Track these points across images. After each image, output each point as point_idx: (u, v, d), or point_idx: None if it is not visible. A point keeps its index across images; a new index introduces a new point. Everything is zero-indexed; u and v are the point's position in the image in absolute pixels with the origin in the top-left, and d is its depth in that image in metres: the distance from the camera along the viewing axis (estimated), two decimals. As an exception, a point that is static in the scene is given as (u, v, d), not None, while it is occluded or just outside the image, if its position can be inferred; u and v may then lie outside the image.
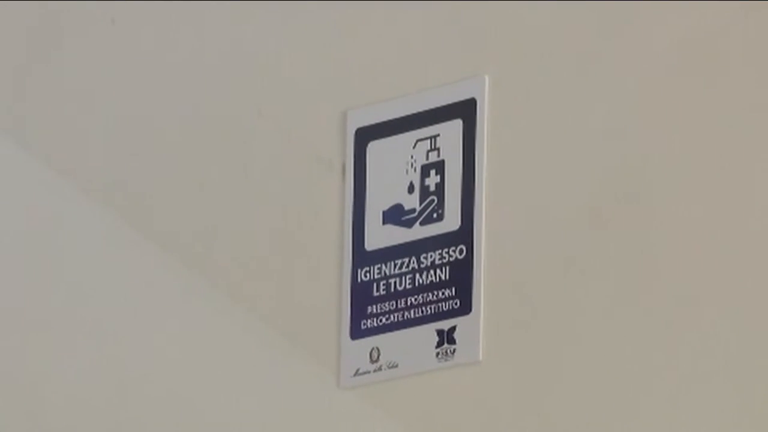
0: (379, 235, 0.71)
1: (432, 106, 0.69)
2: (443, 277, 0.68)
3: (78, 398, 0.90)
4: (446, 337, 0.67)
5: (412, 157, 0.70)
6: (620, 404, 0.61)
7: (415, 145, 0.70)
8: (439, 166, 0.69)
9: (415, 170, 0.70)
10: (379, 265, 0.70)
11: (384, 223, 0.70)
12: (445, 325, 0.67)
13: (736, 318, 0.57)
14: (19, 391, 0.94)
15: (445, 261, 0.68)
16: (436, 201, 0.69)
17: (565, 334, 0.65)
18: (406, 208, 0.70)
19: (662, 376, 0.59)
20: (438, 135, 0.69)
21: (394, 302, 0.69)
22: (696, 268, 0.59)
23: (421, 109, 0.70)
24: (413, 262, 0.69)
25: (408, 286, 0.69)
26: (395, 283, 0.69)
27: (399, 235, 0.70)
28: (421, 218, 0.69)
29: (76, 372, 0.91)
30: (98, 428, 0.87)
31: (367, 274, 0.70)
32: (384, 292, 0.69)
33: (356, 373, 0.69)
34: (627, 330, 0.61)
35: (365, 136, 0.72)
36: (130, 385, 0.88)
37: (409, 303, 0.69)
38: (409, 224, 0.69)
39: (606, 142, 0.66)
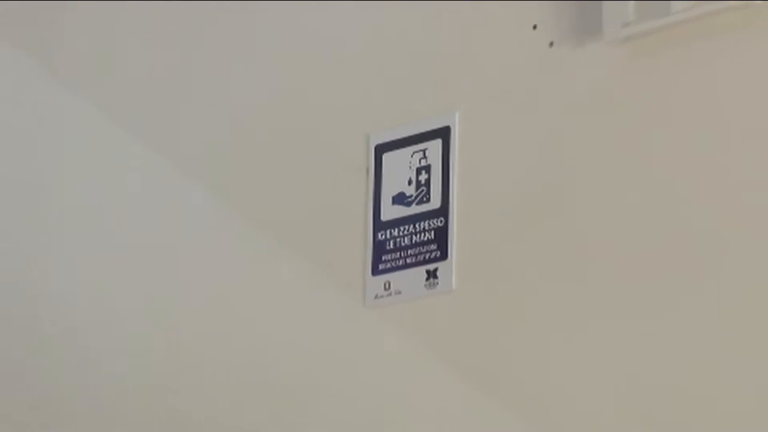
0: (390, 211, 1.08)
1: (422, 131, 1.07)
2: (430, 238, 1.05)
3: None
4: (431, 275, 1.04)
5: (410, 162, 1.07)
6: (561, 316, 0.96)
7: (412, 155, 1.08)
8: (427, 168, 1.06)
9: (412, 171, 1.07)
10: (390, 230, 1.07)
11: (393, 204, 1.08)
12: (430, 267, 1.04)
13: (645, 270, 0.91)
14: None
15: (430, 227, 1.05)
16: (425, 190, 1.06)
17: (510, 273, 1.02)
18: (407, 194, 1.07)
19: (598, 304, 0.94)
20: (426, 149, 1.07)
21: (399, 253, 1.07)
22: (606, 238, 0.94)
23: (415, 132, 1.08)
24: (411, 228, 1.06)
25: (408, 243, 1.07)
26: (400, 241, 1.07)
27: (402, 212, 1.07)
28: (416, 201, 1.07)
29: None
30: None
31: (382, 235, 1.07)
32: (393, 247, 1.07)
33: (375, 297, 1.07)
34: (558, 268, 0.98)
35: (381, 149, 1.10)
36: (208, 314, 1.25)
37: (408, 254, 1.06)
38: (408, 204, 1.07)
39: (538, 152, 1.03)
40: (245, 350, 1.22)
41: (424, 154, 1.07)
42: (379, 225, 1.08)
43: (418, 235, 1.06)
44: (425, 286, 1.04)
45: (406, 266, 1.06)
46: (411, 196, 1.07)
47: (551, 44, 1.02)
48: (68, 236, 1.46)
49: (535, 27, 1.04)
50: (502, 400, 0.99)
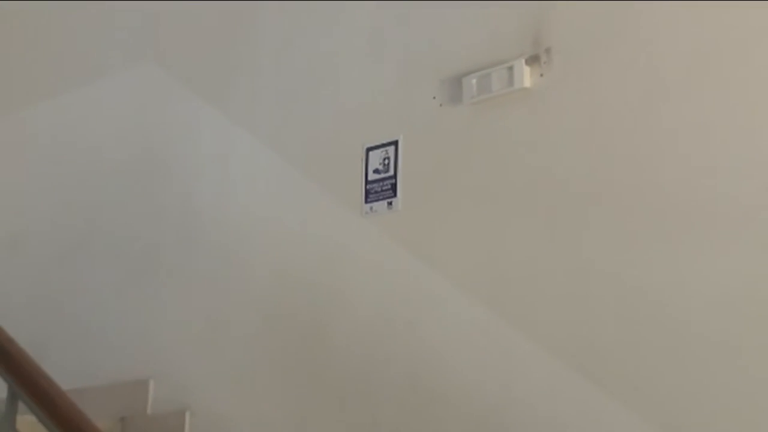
0: (373, 177, 2.49)
1: (386, 141, 2.47)
2: (389, 188, 2.45)
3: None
4: (391, 204, 2.44)
5: (381, 156, 2.48)
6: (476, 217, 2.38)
7: (382, 152, 2.48)
8: (388, 159, 2.46)
9: (381, 159, 2.48)
10: (372, 184, 2.47)
11: (374, 173, 2.48)
12: (390, 200, 2.44)
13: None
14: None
15: (389, 183, 2.45)
16: (387, 167, 2.46)
17: (431, 201, 2.42)
18: (381, 171, 2.48)
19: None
20: (388, 150, 2.47)
21: (376, 194, 2.47)
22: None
23: (382, 142, 2.48)
24: (382, 184, 2.46)
25: (379, 190, 2.46)
26: (377, 188, 2.46)
27: (378, 177, 2.47)
28: (384, 174, 2.47)
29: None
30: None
31: (369, 186, 2.47)
32: (373, 191, 2.47)
33: (366, 213, 2.47)
34: (466, 201, 2.38)
35: (368, 150, 2.50)
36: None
37: (380, 195, 2.46)
38: (380, 173, 2.47)
39: (433, 152, 2.43)
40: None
41: (387, 153, 2.46)
42: (368, 181, 2.48)
43: (384, 188, 2.45)
44: (387, 209, 2.43)
45: (379, 200, 2.45)
46: (380, 171, 2.47)
47: (441, 105, 2.41)
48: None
49: (434, 97, 2.42)
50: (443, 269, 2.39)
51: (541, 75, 2.23)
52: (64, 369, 2.38)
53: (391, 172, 2.46)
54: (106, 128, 3.49)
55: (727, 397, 1.76)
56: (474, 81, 2.32)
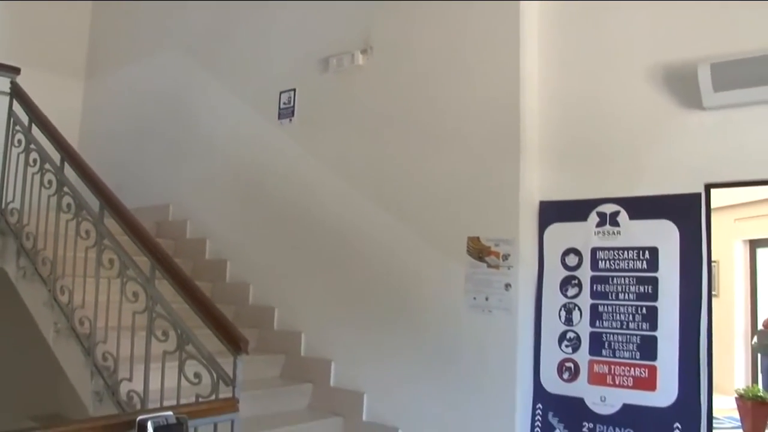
0: (283, 106, 4.90)
1: (290, 89, 4.87)
2: (290, 112, 4.86)
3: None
4: (291, 120, 4.86)
5: (287, 97, 4.88)
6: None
7: (287, 95, 4.88)
8: (292, 98, 4.86)
9: (287, 99, 4.87)
10: (282, 110, 4.89)
11: (283, 104, 4.89)
12: (291, 118, 4.86)
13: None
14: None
15: (291, 110, 4.86)
16: (291, 104, 4.86)
17: (311, 121, 4.84)
18: (287, 103, 4.88)
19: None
20: (291, 93, 4.87)
21: (284, 115, 4.88)
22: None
23: (288, 89, 4.87)
24: (287, 110, 4.87)
25: (286, 113, 4.87)
26: (284, 112, 4.88)
27: (285, 106, 4.89)
28: (288, 105, 4.87)
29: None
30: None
31: (281, 111, 4.88)
32: (283, 114, 4.88)
33: (279, 124, 4.89)
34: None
35: (281, 93, 4.90)
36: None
37: (286, 115, 4.88)
38: (286, 105, 4.87)
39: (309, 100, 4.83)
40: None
41: (290, 95, 4.89)
42: (280, 108, 4.91)
43: (288, 111, 4.87)
44: (289, 122, 4.87)
45: (285, 117, 4.88)
46: (287, 103, 4.88)
47: (318, 73, 4.80)
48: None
49: (316, 69, 4.81)
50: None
51: (368, 59, 4.58)
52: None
53: (292, 104, 4.86)
54: (157, 89, 6.26)
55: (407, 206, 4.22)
56: (334, 60, 4.69)
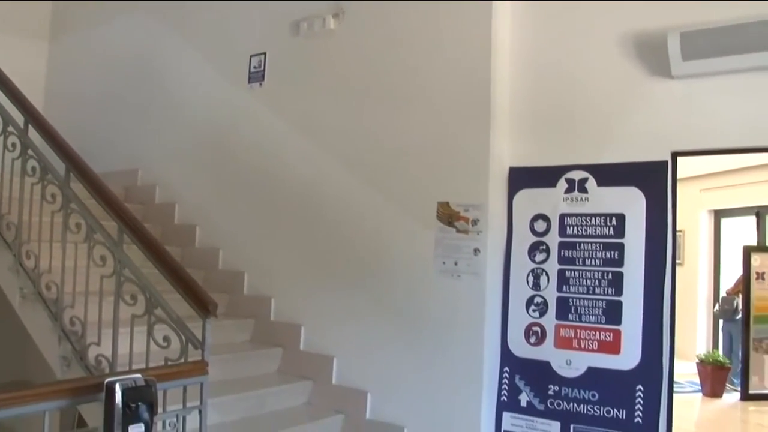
0: (253, 70, 4.85)
1: (260, 52, 4.82)
2: (261, 76, 4.81)
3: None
4: (261, 84, 4.82)
5: (257, 61, 4.83)
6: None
7: (258, 59, 4.83)
8: (262, 62, 4.81)
9: (257, 63, 4.82)
10: (252, 74, 4.84)
11: (254, 68, 4.84)
12: (261, 82, 4.82)
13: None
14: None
15: (261, 74, 4.81)
16: (261, 67, 4.81)
17: (281, 85, 4.80)
18: (257, 67, 4.83)
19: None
20: (261, 57, 4.82)
21: (254, 78, 4.84)
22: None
23: (258, 53, 4.82)
24: (257, 74, 4.83)
25: (256, 77, 4.82)
26: (255, 76, 4.83)
27: (255, 70, 4.84)
28: (259, 69, 4.83)
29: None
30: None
31: (251, 75, 4.84)
32: (253, 78, 4.84)
33: (249, 88, 4.85)
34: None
35: (251, 56, 4.85)
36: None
37: (256, 78, 4.84)
38: (257, 69, 4.83)
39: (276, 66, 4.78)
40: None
41: (260, 58, 4.84)
42: (250, 72, 4.89)
43: (258, 75, 4.82)
44: (259, 86, 4.82)
45: (255, 81, 4.83)
46: (257, 67, 4.83)
47: (290, 36, 4.75)
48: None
49: (286, 32, 4.75)
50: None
51: (339, 23, 4.53)
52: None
53: (262, 68, 4.81)
54: (125, 52, 6.16)
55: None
56: (305, 24, 4.65)
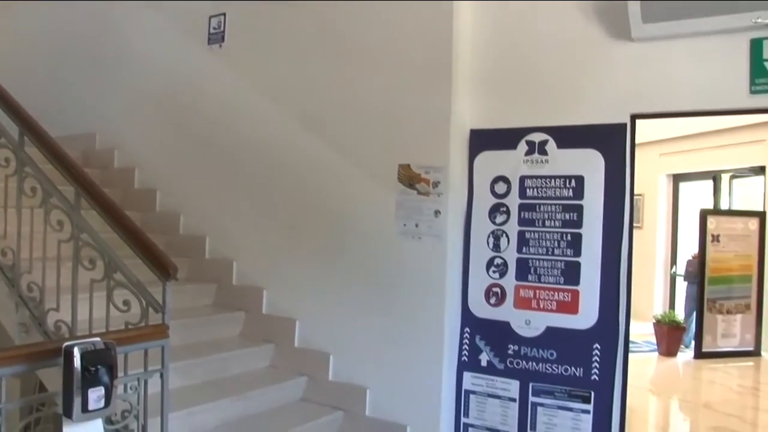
0: (212, 32, 4.77)
1: (220, 13, 4.73)
2: (220, 37, 4.73)
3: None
4: (221, 46, 4.74)
5: (216, 22, 4.74)
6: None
7: (217, 19, 4.74)
8: (221, 23, 4.73)
9: (216, 24, 4.73)
10: (211, 36, 4.76)
11: (213, 29, 4.76)
12: (221, 43, 4.74)
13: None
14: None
15: (221, 35, 4.73)
16: (221, 28, 4.73)
17: (236, 47, 4.73)
18: (216, 29, 4.75)
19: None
20: (221, 18, 4.73)
21: (213, 40, 4.76)
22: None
23: (218, 13, 4.73)
24: (216, 35, 4.75)
25: (215, 38, 4.74)
26: (214, 37, 4.75)
27: (215, 31, 4.75)
28: (218, 30, 4.74)
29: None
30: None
31: (210, 36, 4.76)
32: (212, 39, 4.76)
33: (209, 49, 4.77)
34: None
35: (210, 17, 4.76)
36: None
37: (215, 40, 4.76)
38: (216, 30, 4.74)
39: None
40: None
41: (220, 19, 4.76)
42: (210, 33, 4.78)
43: (217, 36, 4.74)
44: (219, 48, 4.75)
45: (215, 42, 4.77)
46: (216, 28, 4.75)
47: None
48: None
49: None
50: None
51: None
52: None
53: (222, 29, 4.73)
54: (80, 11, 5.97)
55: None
56: None
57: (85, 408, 2.29)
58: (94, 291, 3.07)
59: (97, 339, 2.41)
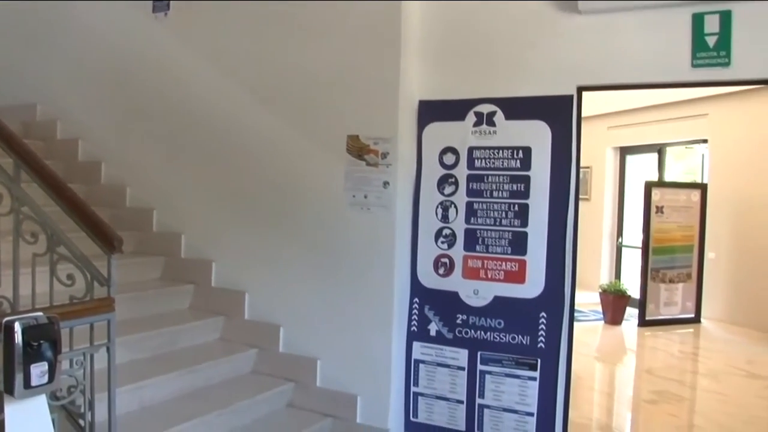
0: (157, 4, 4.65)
1: None
2: (166, 7, 4.62)
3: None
4: (166, 14, 4.63)
5: None
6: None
7: None
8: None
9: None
10: (156, 4, 4.64)
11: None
12: (166, 12, 4.63)
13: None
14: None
15: (167, 5, 4.62)
16: (166, 2, 4.62)
17: (181, 16, 4.62)
18: (161, -5, 4.63)
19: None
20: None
21: (158, 9, 4.65)
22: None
23: None
24: (163, 4, 4.63)
25: (160, 8, 4.63)
26: (159, 7, 4.64)
27: (160, 3, 4.64)
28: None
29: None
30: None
31: (154, 6, 4.64)
32: (157, 8, 4.64)
33: (155, 17, 4.66)
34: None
35: None
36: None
37: (161, 8, 4.65)
38: (160, 10, 4.63)
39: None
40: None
41: None
42: (154, 5, 4.64)
43: (164, 7, 4.62)
44: (165, 16, 4.63)
45: (160, 11, 4.63)
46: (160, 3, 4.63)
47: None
48: None
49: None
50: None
51: None
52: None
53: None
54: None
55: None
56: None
57: (27, 384, 2.24)
58: (36, 265, 2.99)
59: (40, 314, 2.35)
